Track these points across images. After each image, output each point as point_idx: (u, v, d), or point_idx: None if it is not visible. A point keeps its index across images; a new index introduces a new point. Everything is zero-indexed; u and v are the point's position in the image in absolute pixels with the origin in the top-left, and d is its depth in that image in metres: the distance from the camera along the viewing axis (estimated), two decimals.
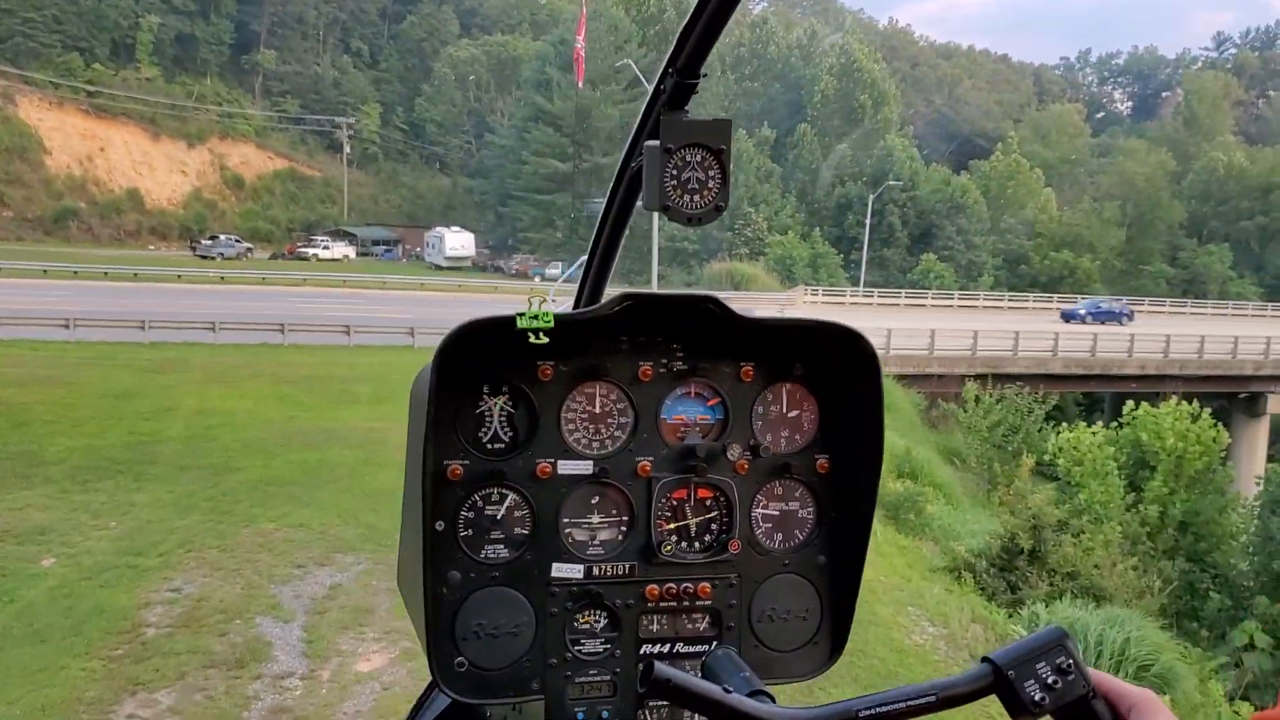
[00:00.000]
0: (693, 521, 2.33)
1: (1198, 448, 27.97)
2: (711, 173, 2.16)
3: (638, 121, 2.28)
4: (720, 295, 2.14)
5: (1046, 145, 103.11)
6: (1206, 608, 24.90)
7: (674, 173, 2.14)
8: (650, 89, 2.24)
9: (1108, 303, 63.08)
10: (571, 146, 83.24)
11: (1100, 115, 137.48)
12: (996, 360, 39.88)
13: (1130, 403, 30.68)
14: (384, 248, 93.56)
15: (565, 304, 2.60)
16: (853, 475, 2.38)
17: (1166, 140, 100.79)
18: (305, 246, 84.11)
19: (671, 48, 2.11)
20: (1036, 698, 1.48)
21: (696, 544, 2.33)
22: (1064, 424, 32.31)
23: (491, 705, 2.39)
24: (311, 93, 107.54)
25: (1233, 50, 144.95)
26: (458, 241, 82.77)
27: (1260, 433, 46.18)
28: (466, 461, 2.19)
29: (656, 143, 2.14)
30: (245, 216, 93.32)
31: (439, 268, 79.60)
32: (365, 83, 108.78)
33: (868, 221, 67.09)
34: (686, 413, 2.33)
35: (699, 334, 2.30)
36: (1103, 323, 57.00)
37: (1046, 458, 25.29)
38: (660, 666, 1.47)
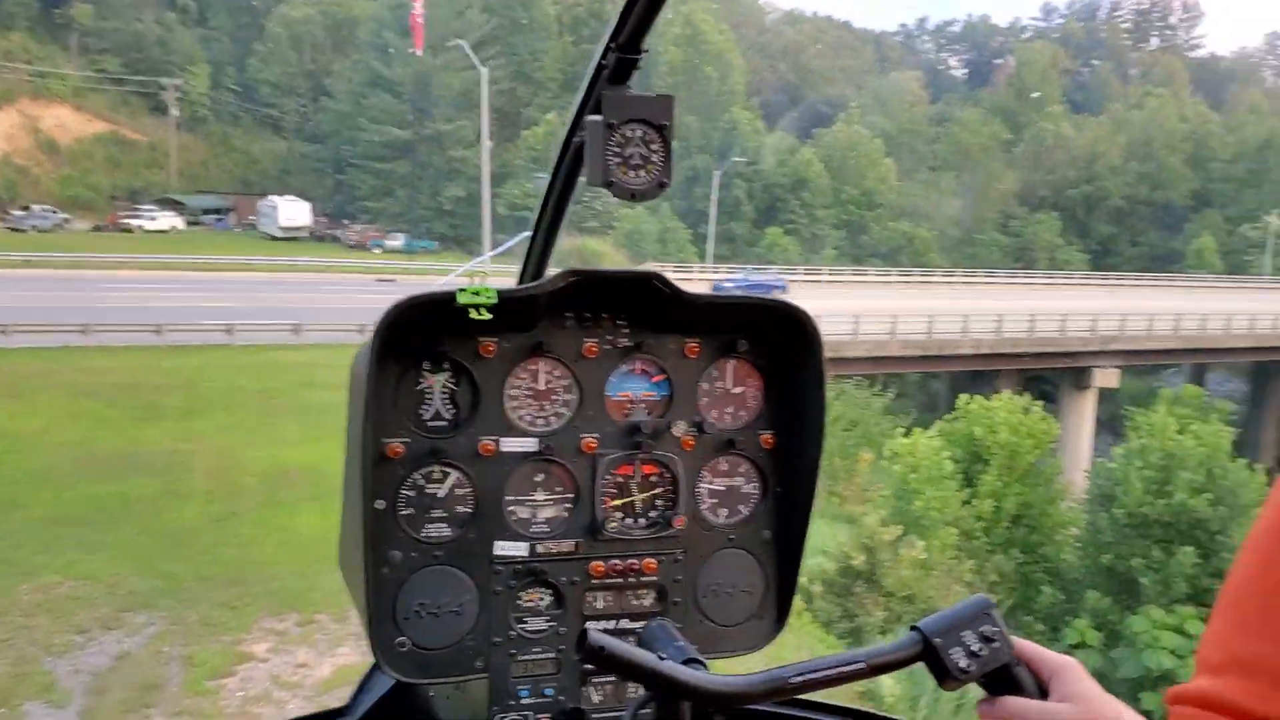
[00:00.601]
0: (638, 498, 2.37)
1: (1029, 441, 28.48)
2: (654, 148, 2.17)
3: (580, 96, 2.28)
4: None
5: (886, 115, 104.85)
6: (1039, 601, 25.38)
7: (617, 148, 2.14)
8: (592, 64, 2.23)
9: (760, 275, 62.28)
10: (412, 114, 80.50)
11: (937, 82, 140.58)
12: (835, 345, 39.84)
13: (965, 396, 31.10)
14: (215, 217, 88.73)
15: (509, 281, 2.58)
16: (797, 450, 2.43)
17: (1000, 110, 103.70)
18: (129, 217, 78.90)
19: (614, 23, 2.13)
20: (962, 665, 1.55)
21: (642, 520, 2.37)
22: (907, 414, 32.61)
23: (435, 685, 2.39)
24: (134, 51, 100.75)
25: (1060, 20, 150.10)
26: (293, 211, 79.37)
27: (1088, 404, 47.93)
28: (407, 440, 2.19)
29: (599, 118, 2.14)
30: (63, 184, 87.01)
31: (274, 238, 76.22)
32: (192, 41, 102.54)
33: (714, 195, 66.76)
34: (632, 389, 2.37)
35: (644, 311, 2.33)
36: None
37: (884, 462, 25.37)
38: (595, 634, 1.51)
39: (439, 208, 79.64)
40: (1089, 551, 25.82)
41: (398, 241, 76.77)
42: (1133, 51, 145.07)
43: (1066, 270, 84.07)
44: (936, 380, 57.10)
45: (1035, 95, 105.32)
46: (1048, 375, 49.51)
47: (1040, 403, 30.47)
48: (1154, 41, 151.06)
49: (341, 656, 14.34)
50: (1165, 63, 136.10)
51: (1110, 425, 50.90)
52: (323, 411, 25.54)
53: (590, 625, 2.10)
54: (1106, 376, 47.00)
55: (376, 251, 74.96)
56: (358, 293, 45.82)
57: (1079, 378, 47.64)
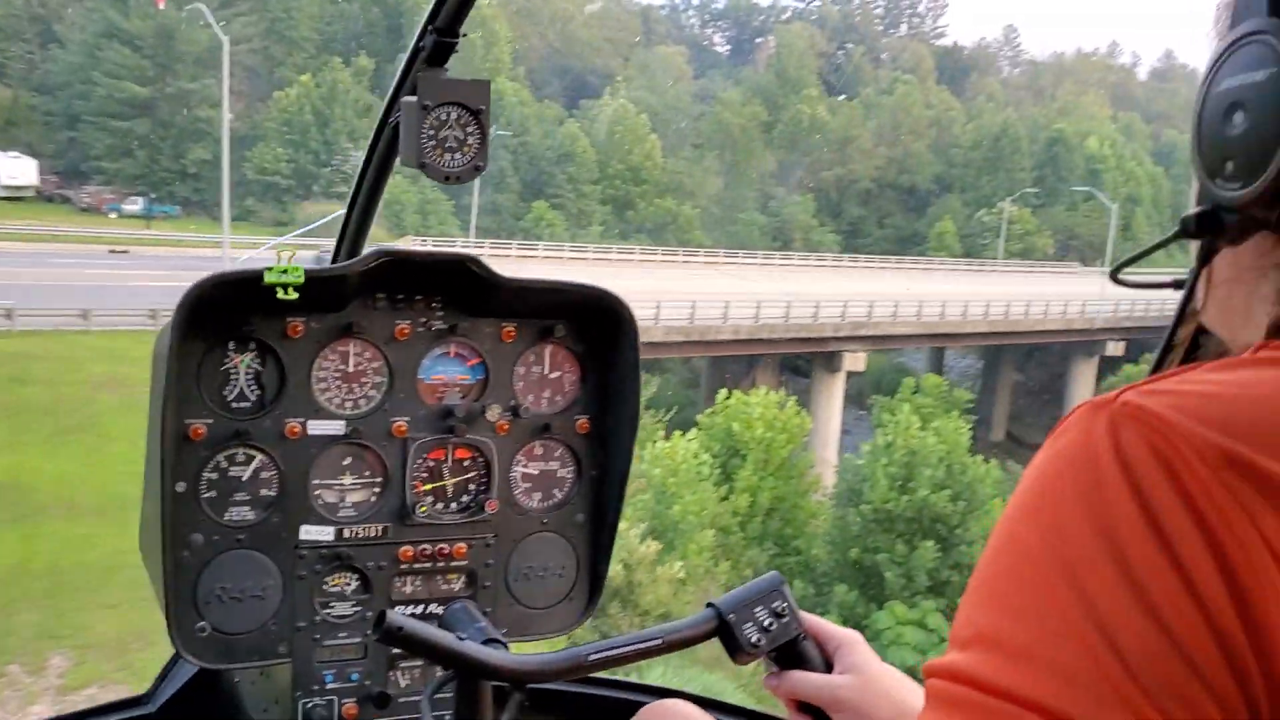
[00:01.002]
0: (450, 482, 2.38)
1: (783, 435, 29.11)
2: (470, 131, 2.18)
3: (397, 77, 2.32)
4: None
5: (652, 90, 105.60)
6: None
7: (432, 130, 2.15)
8: (410, 46, 2.27)
9: None
10: (154, 69, 74.49)
11: (701, 58, 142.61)
12: None
13: (724, 391, 31.52)
14: None
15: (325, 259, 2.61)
16: (612, 435, 2.49)
17: (760, 91, 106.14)
18: None
19: (431, 5, 2.17)
20: (754, 640, 1.65)
21: (453, 505, 2.39)
22: (668, 409, 32.63)
23: (238, 670, 2.37)
24: None
25: (817, 3, 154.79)
26: (16, 169, 71.87)
27: (838, 385, 49.85)
28: (210, 420, 2.17)
29: (414, 99, 2.16)
30: None
31: None
32: None
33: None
34: (446, 373, 2.37)
35: (460, 293, 2.34)
36: None
37: (643, 466, 25.35)
38: (393, 615, 1.55)
39: (183, 170, 74.14)
40: (838, 546, 26.65)
41: (136, 206, 70.96)
42: (884, 37, 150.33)
43: (820, 251, 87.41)
44: (695, 365, 58.19)
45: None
46: (803, 357, 51.28)
47: (798, 382, 31.12)
48: (904, 28, 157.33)
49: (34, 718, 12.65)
50: (913, 49, 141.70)
51: (859, 400, 53.50)
52: (41, 413, 23.22)
53: (395, 610, 2.10)
54: (855, 360, 48.95)
55: (112, 216, 69.14)
56: (87, 266, 41.90)
57: (830, 361, 49.46)
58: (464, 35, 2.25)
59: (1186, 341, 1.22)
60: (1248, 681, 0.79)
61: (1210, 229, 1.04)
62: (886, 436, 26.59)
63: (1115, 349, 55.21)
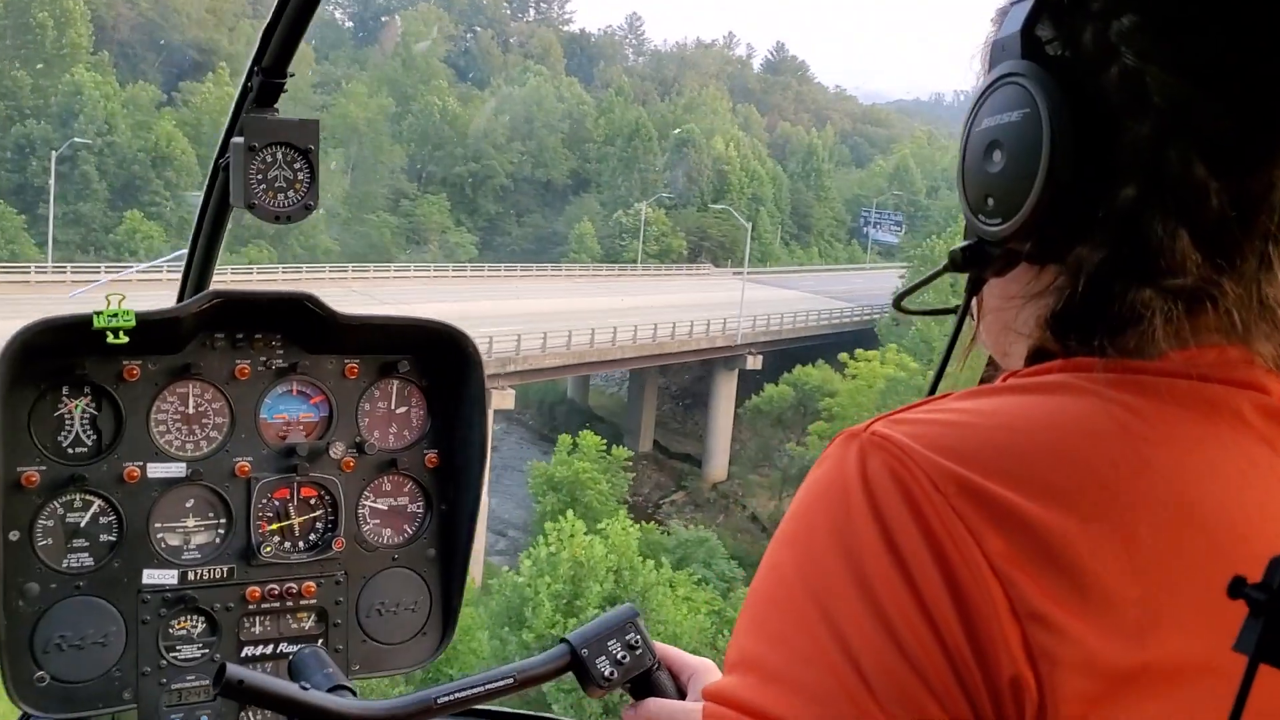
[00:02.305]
0: (296, 521, 2.35)
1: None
2: (299, 169, 2.22)
3: (228, 119, 2.31)
4: None
5: None
6: None
7: (260, 171, 2.17)
8: (238, 88, 2.26)
9: None
10: None
11: (324, 35, 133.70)
12: None
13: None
14: None
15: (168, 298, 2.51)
16: (461, 468, 2.51)
17: (388, 81, 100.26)
18: None
19: (256, 46, 2.17)
20: (607, 673, 1.67)
21: (301, 543, 2.37)
22: None
23: (81, 718, 2.28)
24: None
25: None
26: None
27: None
28: (43, 467, 2.13)
29: (242, 140, 2.18)
30: None
31: None
32: None
33: (52, 177, 54.96)
34: (288, 411, 2.37)
35: (300, 331, 2.35)
36: None
37: None
38: (233, 668, 1.53)
39: None
40: None
41: None
42: (513, 21, 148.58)
43: (458, 254, 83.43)
44: None
45: (422, 45, 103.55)
46: None
47: None
48: (531, 13, 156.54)
49: None
50: (542, 35, 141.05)
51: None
52: None
53: (249, 652, 2.26)
54: (504, 398, 45.57)
55: None
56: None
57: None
58: (291, 75, 2.19)
59: (960, 366, 1.26)
60: (973, 691, 0.87)
61: (976, 262, 1.11)
62: (549, 547, 23.47)
63: (754, 363, 55.73)
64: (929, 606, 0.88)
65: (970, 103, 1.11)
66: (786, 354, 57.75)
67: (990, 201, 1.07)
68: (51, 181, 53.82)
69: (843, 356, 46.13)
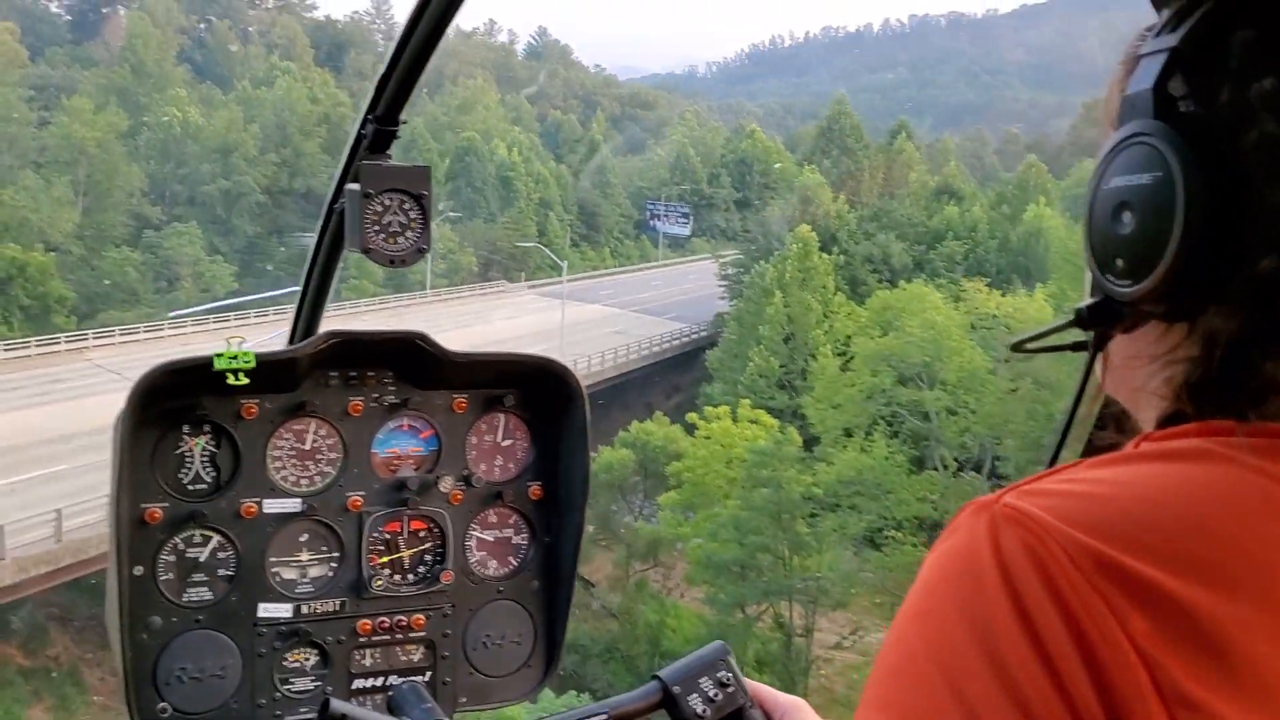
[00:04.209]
0: (406, 554, 2.40)
1: None
2: (413, 215, 2.29)
3: (341, 165, 2.41)
4: None
5: None
6: None
7: (375, 216, 2.25)
8: (352, 134, 2.35)
9: None
10: None
11: (38, 31, 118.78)
12: None
13: None
14: None
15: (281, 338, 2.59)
16: (564, 500, 2.52)
17: (117, 91, 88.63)
18: None
19: (370, 95, 2.26)
20: (699, 711, 1.69)
21: (410, 576, 2.40)
22: None
23: None
24: None
25: None
26: None
27: None
28: (165, 504, 2.19)
29: (357, 187, 2.26)
30: None
31: None
32: None
33: None
34: (399, 446, 2.41)
35: (410, 367, 2.40)
36: None
37: None
38: (335, 702, 1.58)
39: None
40: None
41: None
42: (250, 9, 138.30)
43: (215, 288, 74.04)
44: None
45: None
46: None
47: None
48: (270, 1, 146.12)
49: None
50: (284, 23, 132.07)
51: None
52: None
53: (359, 685, 2.32)
54: None
55: None
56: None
57: None
58: (404, 122, 2.29)
59: (1090, 418, 1.25)
60: None
61: (1103, 319, 1.10)
62: None
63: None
64: (1068, 690, 0.85)
65: (1099, 159, 1.10)
66: (608, 393, 52.73)
67: (1119, 262, 1.05)
68: None
69: (691, 416, 41.41)
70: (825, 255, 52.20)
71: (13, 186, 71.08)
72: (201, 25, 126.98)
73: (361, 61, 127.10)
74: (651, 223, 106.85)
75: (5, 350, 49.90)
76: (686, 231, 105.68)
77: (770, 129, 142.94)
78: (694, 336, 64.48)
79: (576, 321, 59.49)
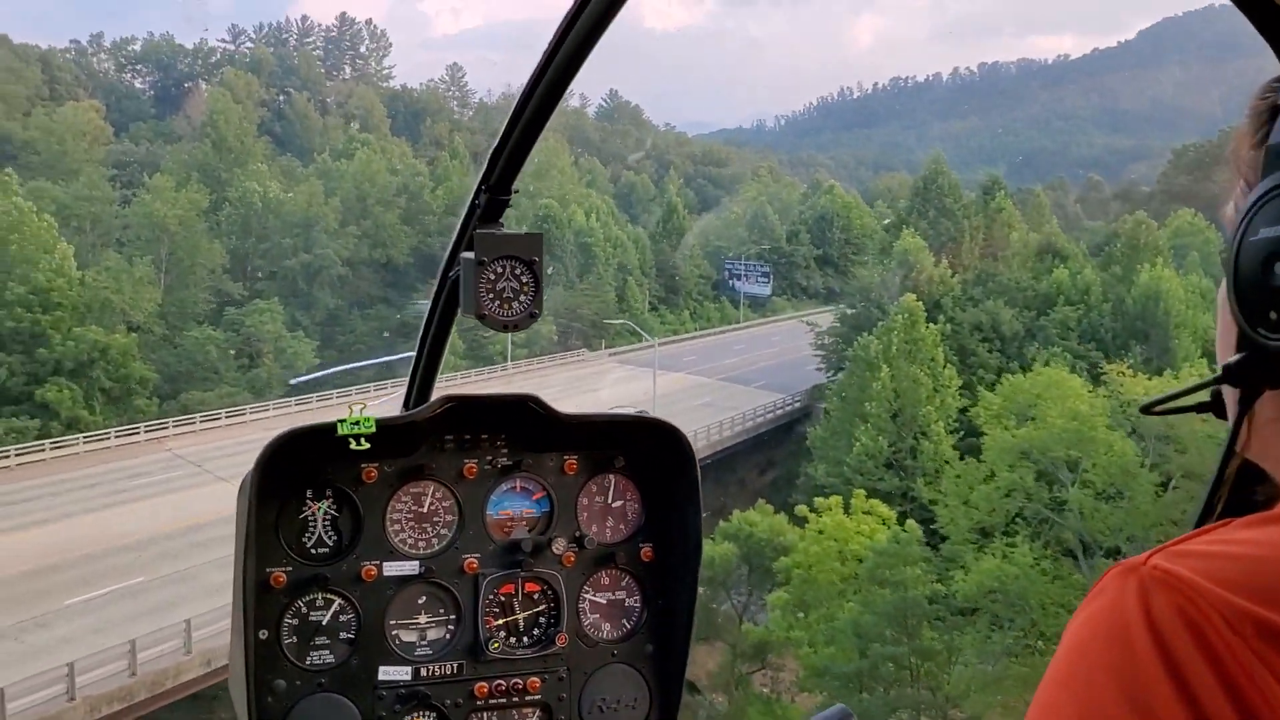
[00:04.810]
0: (521, 616, 2.39)
1: None
2: (525, 281, 2.31)
3: (455, 234, 2.45)
4: None
5: (56, 169, 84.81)
6: None
7: (489, 283, 2.28)
8: (466, 204, 2.40)
9: None
10: None
11: (122, 108, 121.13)
12: None
13: None
14: None
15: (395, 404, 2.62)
16: (677, 563, 2.49)
17: (199, 167, 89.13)
18: None
19: (484, 166, 2.32)
20: None
21: (525, 639, 2.40)
22: None
23: None
24: None
25: (249, 45, 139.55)
26: None
27: None
28: (289, 568, 2.21)
29: (472, 255, 2.29)
30: None
31: None
32: None
33: None
34: (512, 507, 2.42)
35: (522, 430, 2.42)
36: None
37: None
38: None
39: None
40: None
41: None
42: (328, 80, 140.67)
43: (295, 366, 73.07)
44: None
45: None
46: None
47: None
48: (347, 71, 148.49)
49: None
50: (361, 94, 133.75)
51: None
52: None
53: None
54: None
55: None
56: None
57: None
58: (516, 191, 2.33)
59: (1232, 478, 1.23)
60: None
61: (1253, 375, 1.06)
62: None
63: None
64: None
65: (1241, 208, 1.06)
66: (703, 471, 49.98)
67: (1274, 315, 1.01)
68: None
69: (800, 509, 38.49)
70: (931, 324, 49.09)
71: (96, 266, 70.85)
72: (281, 97, 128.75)
73: (437, 130, 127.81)
74: (731, 282, 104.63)
75: (85, 443, 48.64)
76: (767, 291, 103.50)
77: (843, 181, 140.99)
78: (787, 409, 61.58)
79: (663, 392, 57.08)
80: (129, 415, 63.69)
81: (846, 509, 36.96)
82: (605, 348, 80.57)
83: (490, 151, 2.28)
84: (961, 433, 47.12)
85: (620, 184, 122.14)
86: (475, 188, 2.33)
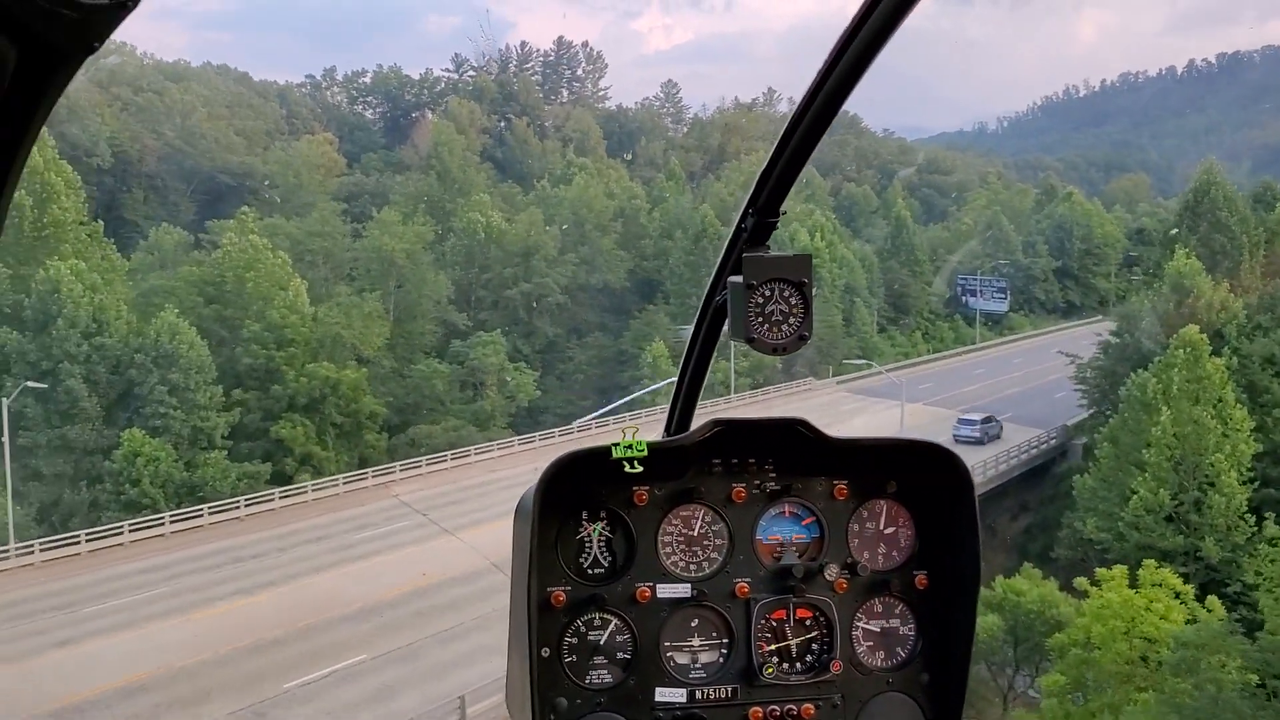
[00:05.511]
0: (793, 642, 2.36)
1: None
2: (794, 304, 2.29)
3: (720, 258, 2.44)
4: None
5: (290, 202, 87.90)
6: None
7: (758, 306, 2.28)
8: (732, 228, 2.39)
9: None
10: None
11: (353, 138, 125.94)
12: None
13: None
14: None
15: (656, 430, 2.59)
16: (953, 591, 2.41)
17: (425, 198, 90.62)
18: None
19: (752, 188, 2.30)
20: None
21: (798, 665, 2.36)
22: None
23: None
24: None
25: (471, 74, 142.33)
26: None
27: None
28: (568, 588, 2.25)
29: (740, 279, 2.30)
30: None
31: None
32: None
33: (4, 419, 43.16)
34: (781, 532, 2.40)
35: (791, 454, 2.38)
36: None
37: None
38: None
39: None
40: None
41: None
42: (546, 105, 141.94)
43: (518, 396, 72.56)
44: None
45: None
46: None
47: None
48: (565, 94, 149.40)
49: None
50: (578, 116, 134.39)
51: None
52: None
53: None
54: None
55: None
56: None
57: None
58: (783, 213, 2.31)
59: None
60: None
61: None
62: None
63: None
64: None
65: None
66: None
67: None
68: (5, 437, 42.72)
69: (1079, 581, 33.69)
70: (1215, 357, 42.94)
71: (329, 301, 72.23)
72: (502, 124, 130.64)
73: (651, 149, 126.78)
74: (965, 299, 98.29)
75: (314, 490, 48.65)
76: (1004, 307, 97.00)
77: (1073, 183, 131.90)
78: (1041, 447, 55.97)
79: (911, 425, 52.91)
80: (360, 450, 64.45)
81: (1133, 581, 31.90)
82: (832, 374, 76.46)
83: (759, 174, 2.19)
84: (1257, 483, 41.01)
85: (840, 196, 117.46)
86: (742, 210, 2.27)
